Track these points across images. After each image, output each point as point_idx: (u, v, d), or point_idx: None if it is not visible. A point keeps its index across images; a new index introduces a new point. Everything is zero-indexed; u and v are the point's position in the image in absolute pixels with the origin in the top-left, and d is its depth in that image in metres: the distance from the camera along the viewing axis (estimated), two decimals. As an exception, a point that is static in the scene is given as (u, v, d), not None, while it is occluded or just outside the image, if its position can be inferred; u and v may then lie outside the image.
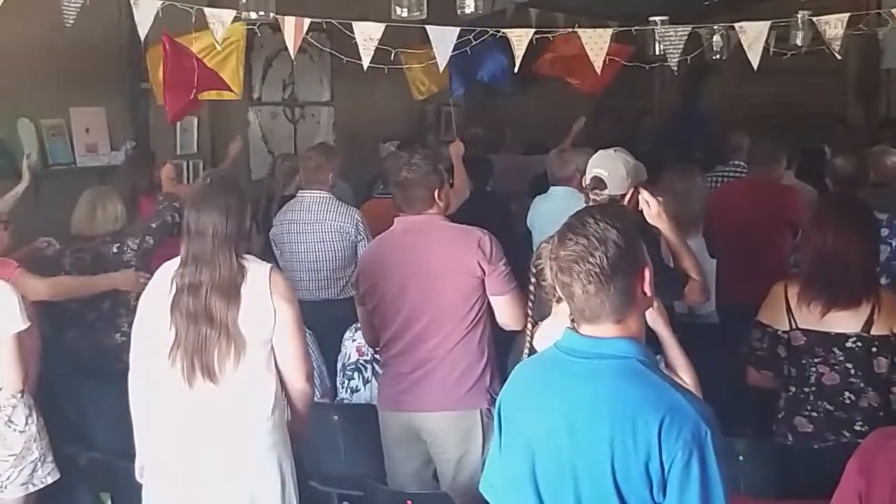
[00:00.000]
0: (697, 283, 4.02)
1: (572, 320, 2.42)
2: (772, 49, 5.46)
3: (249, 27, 5.15)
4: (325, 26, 5.32)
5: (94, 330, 5.25)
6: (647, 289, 2.39)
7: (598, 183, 3.98)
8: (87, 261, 5.14)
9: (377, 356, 4.47)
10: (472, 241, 4.05)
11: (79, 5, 4.71)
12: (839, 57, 5.24)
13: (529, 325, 3.10)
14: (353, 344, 4.77)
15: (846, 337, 3.70)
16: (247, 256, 3.50)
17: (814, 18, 5.28)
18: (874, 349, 3.68)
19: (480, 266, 4.01)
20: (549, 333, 2.59)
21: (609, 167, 4.00)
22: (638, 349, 2.35)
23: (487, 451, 4.03)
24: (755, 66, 5.18)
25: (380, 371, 4.42)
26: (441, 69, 5.18)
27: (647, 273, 2.39)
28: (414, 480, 4.16)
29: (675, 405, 2.25)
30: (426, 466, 4.20)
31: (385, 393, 4.26)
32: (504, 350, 4.03)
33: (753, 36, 5.15)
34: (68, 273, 5.16)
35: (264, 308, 3.45)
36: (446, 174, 4.27)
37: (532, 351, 3.05)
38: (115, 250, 5.20)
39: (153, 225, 5.30)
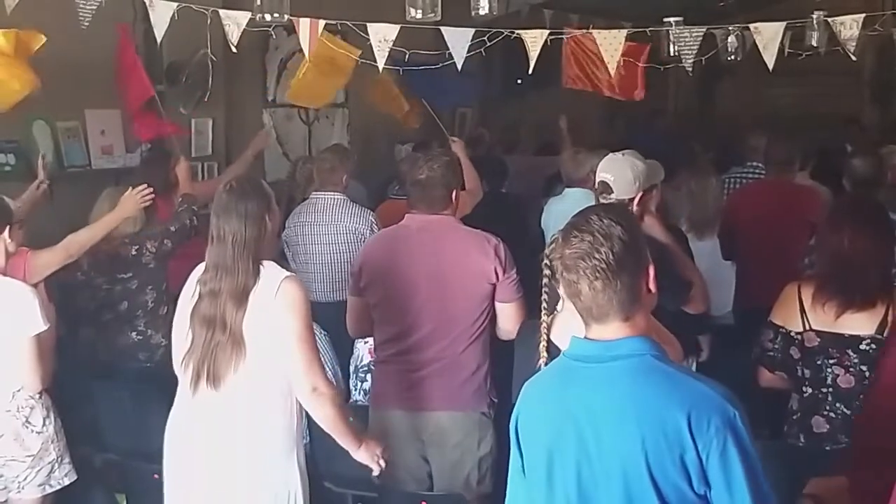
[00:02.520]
0: (700, 291, 4.01)
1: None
2: (787, 50, 5.44)
3: (264, 29, 5.15)
4: (339, 28, 5.33)
5: (110, 329, 5.27)
6: (651, 286, 2.41)
7: (605, 188, 3.98)
8: (104, 261, 5.14)
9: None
10: (488, 248, 4.05)
11: (94, 7, 4.72)
12: (854, 58, 5.22)
13: (545, 316, 3.09)
14: (366, 346, 4.77)
15: (860, 339, 3.68)
16: (266, 263, 3.51)
17: (829, 19, 5.26)
18: (888, 351, 3.66)
19: (496, 272, 4.03)
20: (568, 327, 2.58)
21: (615, 171, 4.00)
22: (649, 345, 2.35)
23: (483, 452, 4.06)
24: (770, 66, 5.16)
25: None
26: (459, 67, 5.19)
27: (650, 270, 2.41)
28: (408, 479, 4.15)
29: (699, 396, 2.26)
30: (421, 465, 4.19)
31: (382, 390, 4.22)
32: (499, 356, 4.04)
33: (768, 37, 5.13)
34: (86, 274, 5.16)
35: (268, 316, 3.44)
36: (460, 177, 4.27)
37: (549, 344, 3.04)
38: (133, 252, 5.20)
39: (172, 228, 5.29)
